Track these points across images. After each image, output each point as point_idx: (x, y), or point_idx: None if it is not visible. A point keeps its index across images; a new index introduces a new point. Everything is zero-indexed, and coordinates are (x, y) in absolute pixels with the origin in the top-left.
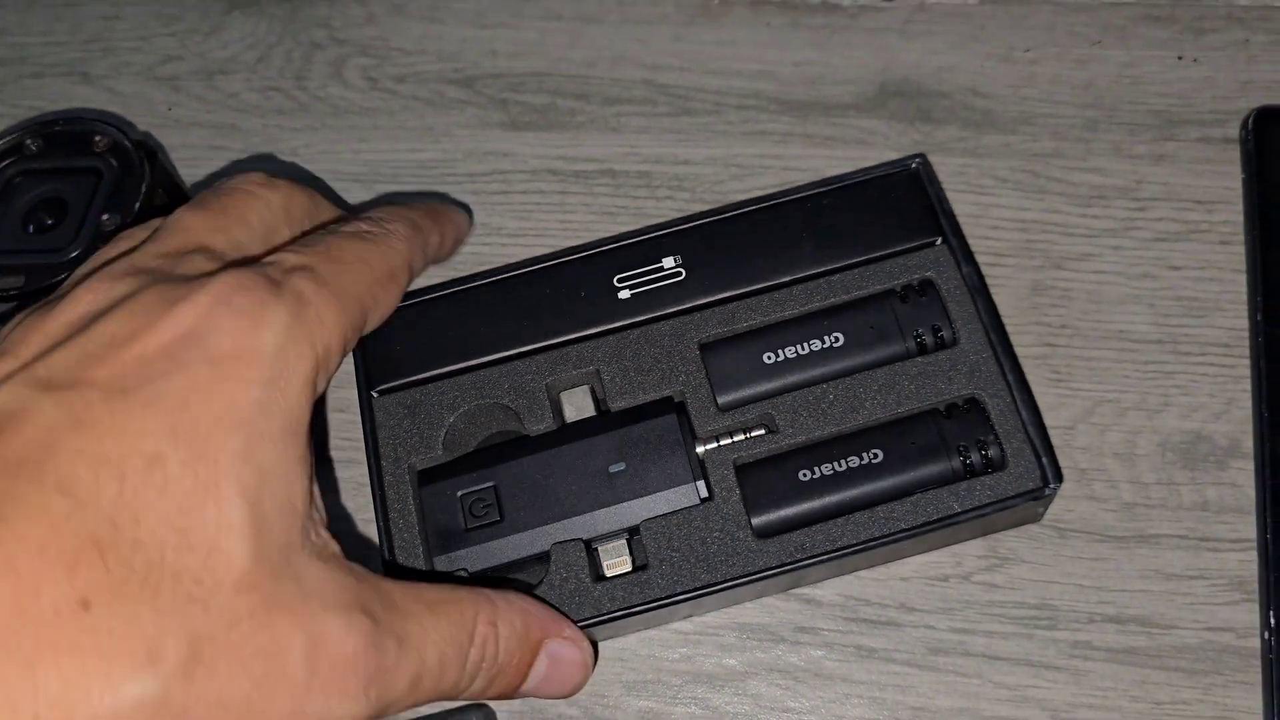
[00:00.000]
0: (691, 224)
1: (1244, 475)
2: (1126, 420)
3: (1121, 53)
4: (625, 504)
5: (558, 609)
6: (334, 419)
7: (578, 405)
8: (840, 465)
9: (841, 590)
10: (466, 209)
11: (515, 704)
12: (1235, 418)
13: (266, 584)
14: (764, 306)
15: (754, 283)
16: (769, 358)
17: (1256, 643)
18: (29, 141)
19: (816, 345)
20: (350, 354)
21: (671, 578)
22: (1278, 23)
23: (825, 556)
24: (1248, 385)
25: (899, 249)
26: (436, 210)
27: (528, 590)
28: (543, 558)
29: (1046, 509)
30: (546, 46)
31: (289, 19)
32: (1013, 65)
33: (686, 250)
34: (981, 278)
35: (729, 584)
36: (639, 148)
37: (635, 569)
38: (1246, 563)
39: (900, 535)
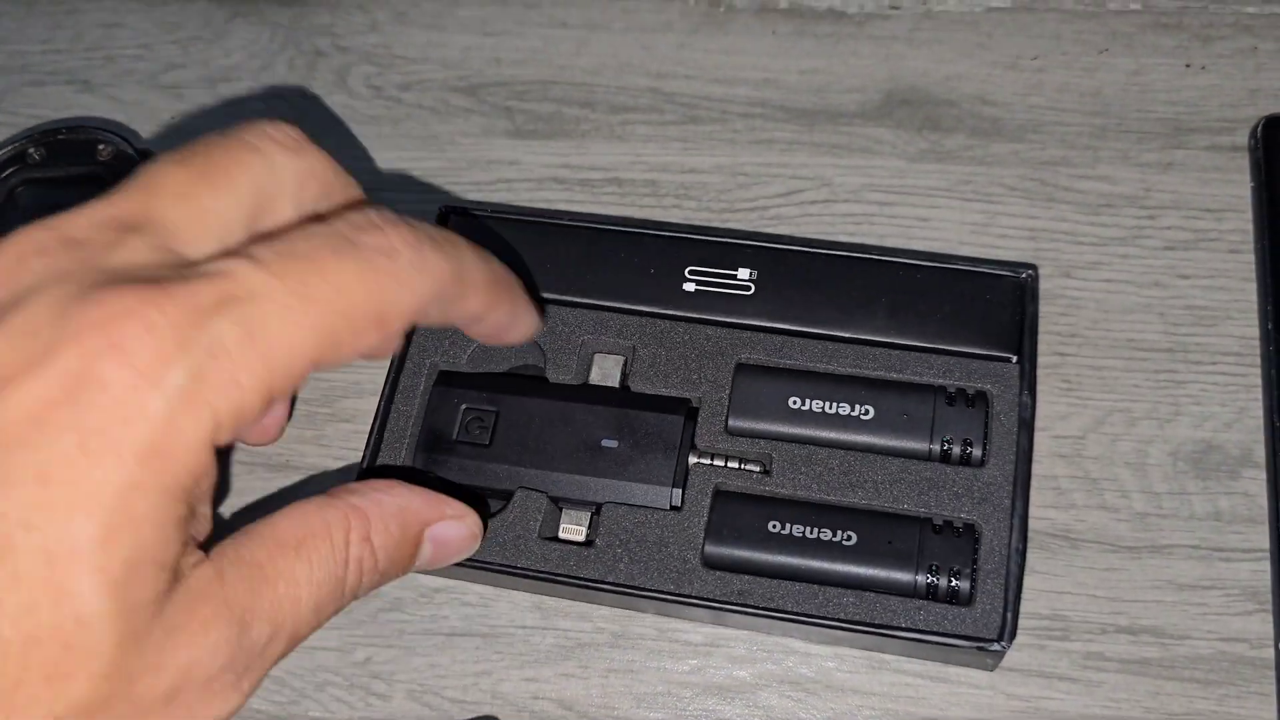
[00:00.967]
0: (779, 245)
1: (1256, 485)
2: (1138, 429)
3: (1129, 60)
4: (601, 479)
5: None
6: None
7: (605, 371)
8: (811, 532)
9: None
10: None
11: (523, 700)
12: (1247, 427)
13: (131, 661)
14: (812, 351)
15: (815, 325)
16: (794, 402)
17: (1270, 653)
18: (32, 150)
19: (844, 409)
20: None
21: (610, 565)
22: None
23: (757, 611)
24: (1259, 394)
25: (970, 351)
26: (503, 278)
27: (486, 515)
28: (508, 494)
29: (998, 663)
30: (551, 54)
31: (292, 27)
32: (1020, 73)
33: (764, 268)
34: (1034, 413)
35: (658, 595)
36: (645, 156)
37: (585, 543)
38: (1260, 573)
39: (835, 624)
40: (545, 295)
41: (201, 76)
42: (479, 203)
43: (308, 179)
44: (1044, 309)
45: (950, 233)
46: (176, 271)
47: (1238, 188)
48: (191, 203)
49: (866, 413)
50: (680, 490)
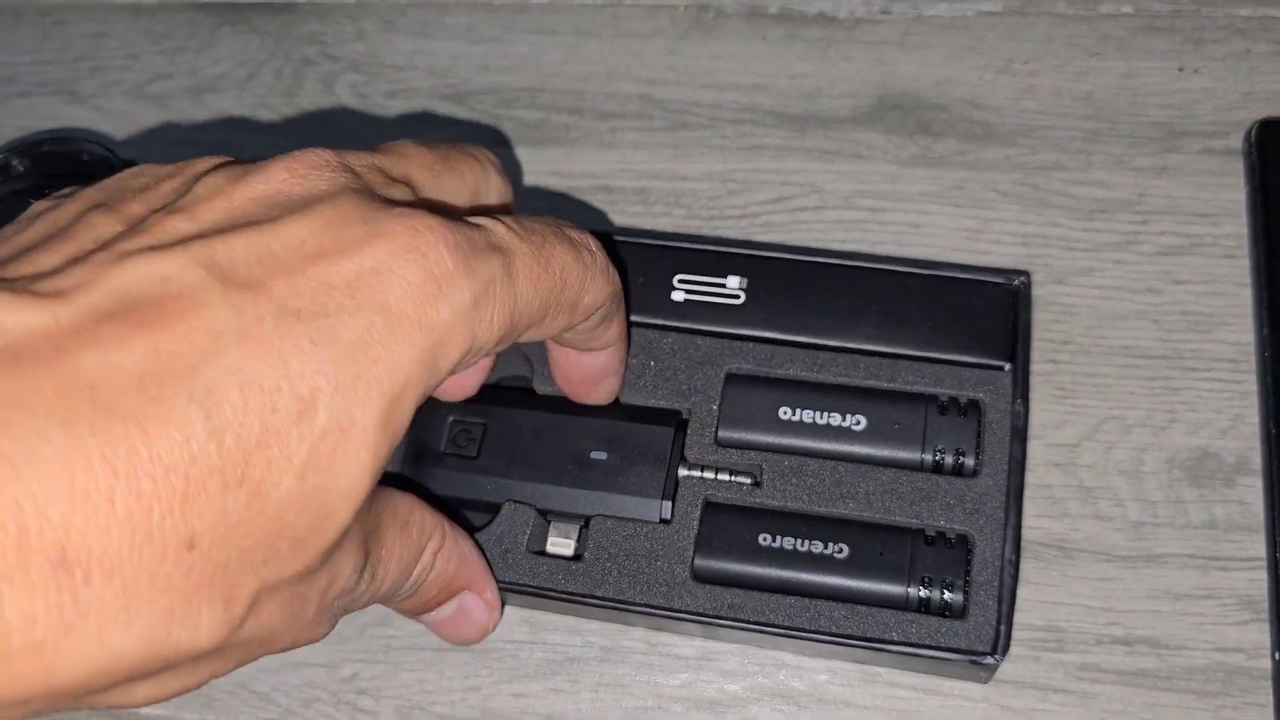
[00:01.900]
0: (769, 253)
1: (1252, 493)
2: (1132, 437)
3: (1121, 64)
4: (591, 492)
5: (490, 569)
6: None
7: None
8: (803, 545)
9: None
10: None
11: (512, 715)
12: (1242, 434)
13: (336, 549)
14: (803, 360)
15: (806, 335)
16: (784, 412)
17: (1268, 663)
18: (15, 161)
19: (836, 420)
20: None
21: (598, 580)
22: (1278, 33)
23: (748, 626)
24: (1254, 401)
25: (963, 360)
26: (618, 321)
27: (472, 531)
28: (496, 508)
29: (991, 676)
30: (539, 61)
31: (279, 35)
32: (1012, 77)
33: (754, 277)
34: (1027, 421)
35: (648, 610)
36: (635, 163)
37: (573, 557)
38: (1256, 582)
39: (827, 638)
40: None
41: (189, 86)
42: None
43: (503, 198)
44: (1038, 316)
45: (943, 239)
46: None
47: (1232, 192)
48: (434, 177)
49: (858, 423)
50: (670, 503)
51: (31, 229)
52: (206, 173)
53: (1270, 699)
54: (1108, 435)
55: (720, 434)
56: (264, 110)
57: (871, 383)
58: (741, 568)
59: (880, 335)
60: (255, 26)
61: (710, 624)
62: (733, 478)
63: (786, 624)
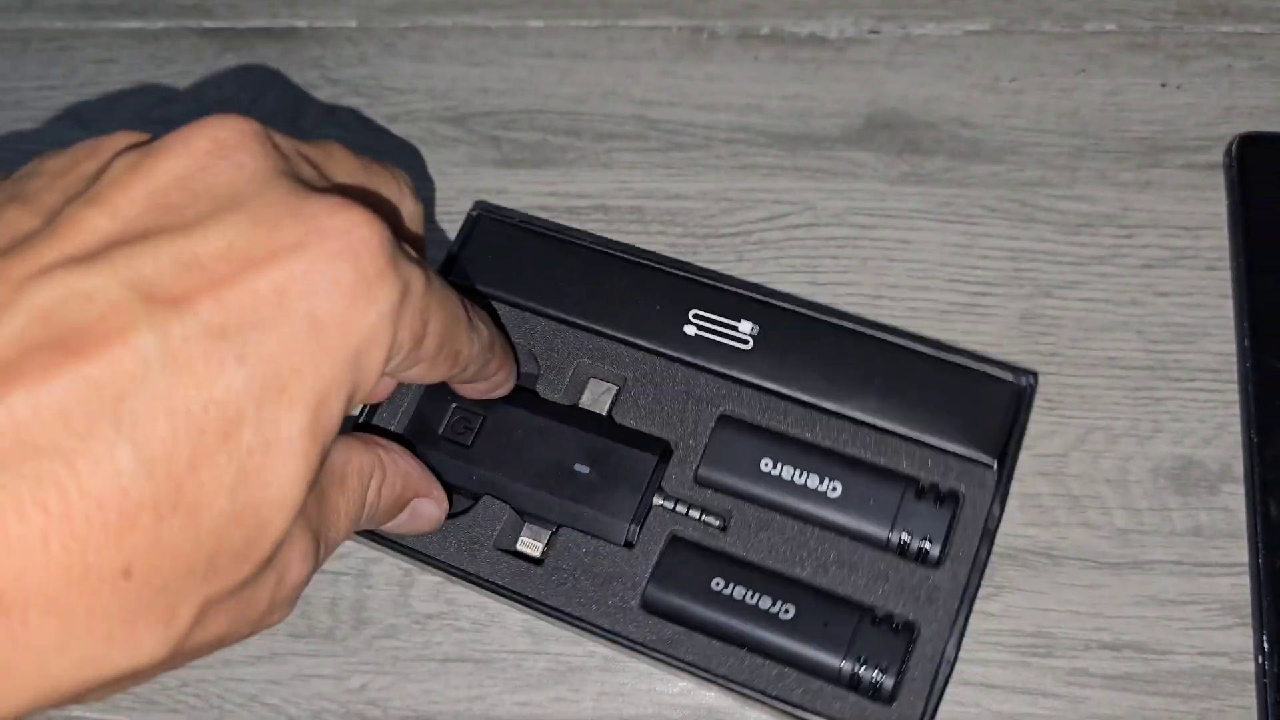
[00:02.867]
0: (786, 304)
1: (1235, 500)
2: (1118, 447)
3: (1105, 81)
4: (565, 501)
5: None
6: None
7: (595, 397)
8: (752, 598)
9: None
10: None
11: None
12: (1225, 442)
13: (280, 554)
14: (796, 417)
15: (804, 393)
16: (766, 464)
17: (1251, 667)
18: None
19: (813, 482)
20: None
21: (553, 589)
22: (1259, 49)
23: (680, 664)
24: (1236, 410)
25: (952, 449)
26: (502, 358)
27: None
28: (475, 498)
29: None
30: (537, 83)
31: (281, 60)
32: (999, 95)
33: (767, 326)
34: (999, 524)
35: (590, 628)
36: (630, 183)
37: (536, 560)
38: (1239, 587)
39: (753, 693)
40: (548, 311)
41: (194, 110)
42: (509, 209)
43: (413, 220)
44: (1025, 329)
45: (932, 254)
46: None
47: (1214, 205)
48: (355, 181)
49: (834, 489)
50: (638, 528)
51: None
52: (123, 151)
53: (1254, 701)
54: (1094, 445)
55: (700, 472)
56: None
57: (857, 453)
58: (689, 606)
59: (877, 408)
60: (258, 52)
61: (644, 654)
62: (702, 517)
63: (718, 671)
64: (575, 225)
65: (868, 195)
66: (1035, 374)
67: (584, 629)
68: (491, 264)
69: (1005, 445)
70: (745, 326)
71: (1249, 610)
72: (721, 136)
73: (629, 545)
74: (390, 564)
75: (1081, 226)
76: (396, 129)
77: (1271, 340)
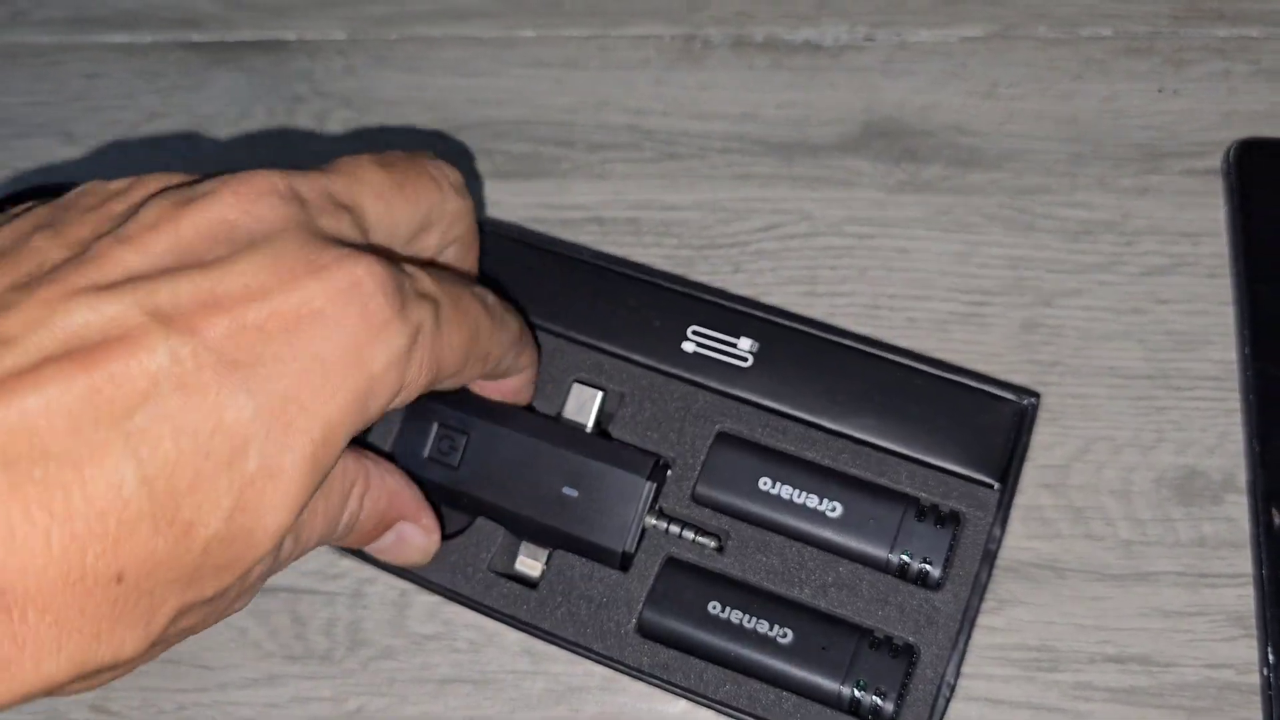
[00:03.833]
0: (785, 321)
1: (1239, 509)
2: (1121, 457)
3: (1103, 86)
4: (555, 527)
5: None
6: None
7: (581, 404)
8: (750, 621)
9: None
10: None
11: None
12: (1228, 451)
13: (264, 565)
14: (795, 435)
15: (804, 411)
16: (764, 483)
17: (1256, 679)
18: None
19: (813, 502)
20: None
21: (548, 612)
22: (1257, 53)
23: (676, 689)
24: (1239, 418)
25: (954, 469)
26: (529, 348)
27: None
28: (471, 515)
29: None
30: (529, 94)
31: (270, 73)
32: (996, 101)
33: (766, 343)
34: (1000, 546)
35: (586, 652)
36: (625, 194)
37: (533, 583)
38: (1244, 598)
39: (748, 718)
40: (545, 326)
41: (183, 125)
42: (506, 222)
43: (457, 219)
44: (1026, 338)
45: (931, 263)
46: (384, 255)
47: (1213, 211)
48: (386, 205)
49: (834, 509)
50: (633, 552)
51: None
52: (155, 194)
53: (1260, 714)
54: (1097, 455)
55: (697, 489)
56: (258, 148)
57: (857, 472)
58: (686, 630)
59: (877, 427)
60: (246, 65)
61: (640, 679)
62: (698, 537)
63: (714, 696)
64: (569, 237)
65: (865, 204)
66: (1037, 395)
67: (579, 653)
68: (483, 280)
69: (1007, 466)
70: (745, 344)
71: (1254, 621)
72: (717, 146)
73: (624, 569)
74: (385, 584)
75: (1081, 234)
76: (388, 142)
77: (1273, 347)
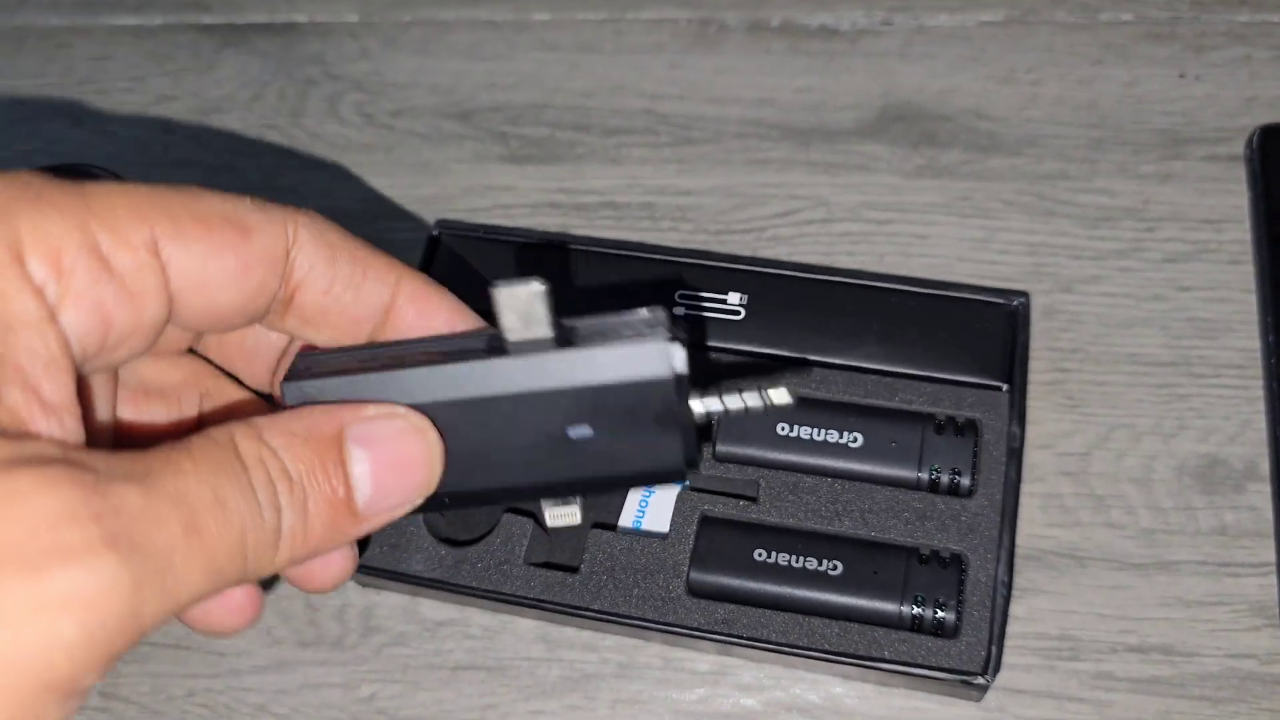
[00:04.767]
0: (771, 269)
1: (1261, 498)
2: (1142, 445)
3: (1123, 72)
4: (587, 479)
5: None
6: None
7: (520, 312)
8: (797, 561)
9: None
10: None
11: None
12: (1251, 440)
13: None
14: (802, 377)
15: (806, 351)
16: (782, 428)
17: (1279, 669)
18: None
19: (833, 436)
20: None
21: (595, 592)
22: (1278, 38)
23: (740, 641)
24: (1262, 406)
25: (961, 379)
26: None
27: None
28: (491, 523)
29: (983, 696)
30: (544, 77)
31: (282, 56)
32: (1015, 87)
33: (756, 293)
34: (1023, 443)
35: (642, 624)
36: (641, 179)
37: (572, 569)
38: (1267, 587)
39: (818, 655)
40: None
41: (193, 107)
42: (471, 224)
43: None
44: (1045, 325)
45: (949, 249)
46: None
47: (1235, 198)
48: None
49: (855, 440)
50: (693, 461)
51: None
52: None
53: None
54: (1118, 443)
55: (718, 449)
56: (269, 131)
57: (870, 401)
58: (736, 583)
59: (880, 354)
60: (258, 48)
61: (702, 638)
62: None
63: (778, 640)
64: (584, 223)
65: (883, 189)
66: (1026, 294)
67: (636, 626)
68: (462, 280)
69: (1011, 366)
70: (734, 298)
71: (1276, 611)
72: (733, 131)
73: (691, 465)
74: None
75: (1101, 220)
76: (400, 125)
77: None
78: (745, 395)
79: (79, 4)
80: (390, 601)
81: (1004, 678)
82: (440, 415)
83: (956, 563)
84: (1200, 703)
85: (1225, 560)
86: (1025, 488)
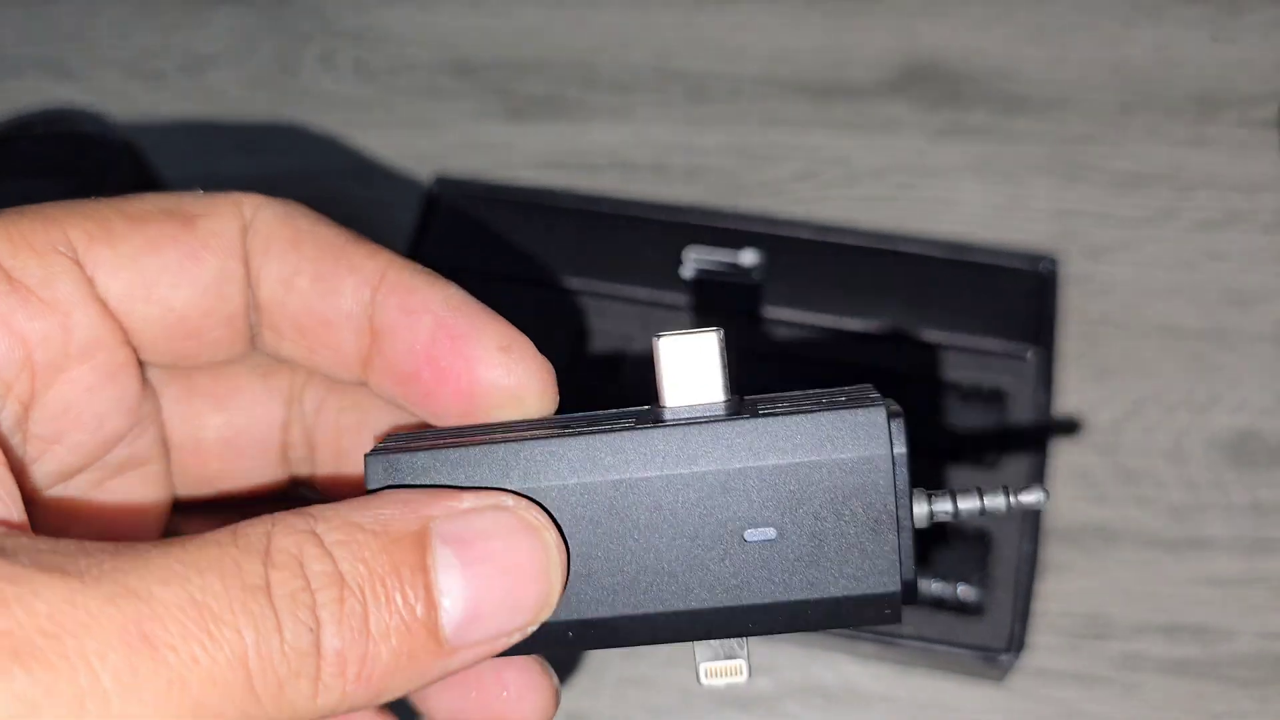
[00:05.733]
0: (786, 226)
1: None
2: (1173, 418)
3: (1154, 33)
4: (765, 603)
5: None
6: None
7: (686, 372)
8: None
9: None
10: None
11: None
12: None
13: None
14: (828, 344)
15: (825, 315)
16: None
17: None
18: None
19: None
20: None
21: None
22: None
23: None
24: None
25: (986, 347)
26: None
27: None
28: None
29: (1006, 674)
30: (548, 32)
31: (277, 9)
32: (1043, 46)
33: (771, 250)
34: (1049, 412)
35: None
36: (651, 138)
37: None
38: None
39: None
40: (534, 279)
41: (183, 64)
42: (472, 181)
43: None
44: (1073, 293)
45: (974, 214)
46: None
47: (1269, 164)
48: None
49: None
50: (911, 586)
51: None
52: None
53: None
54: (1148, 416)
55: None
56: (263, 87)
57: (893, 368)
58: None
59: (902, 319)
60: (251, 1)
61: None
62: (1018, 497)
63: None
64: (590, 183)
65: (906, 151)
66: (1054, 259)
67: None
68: (462, 241)
69: (1038, 332)
70: (747, 256)
71: None
72: (748, 88)
73: (909, 593)
74: None
75: (1131, 186)
76: (398, 81)
77: None
78: (987, 495)
79: None
80: None
81: (1028, 658)
82: (566, 507)
83: (981, 538)
84: (1232, 685)
85: (1259, 537)
86: (1052, 461)
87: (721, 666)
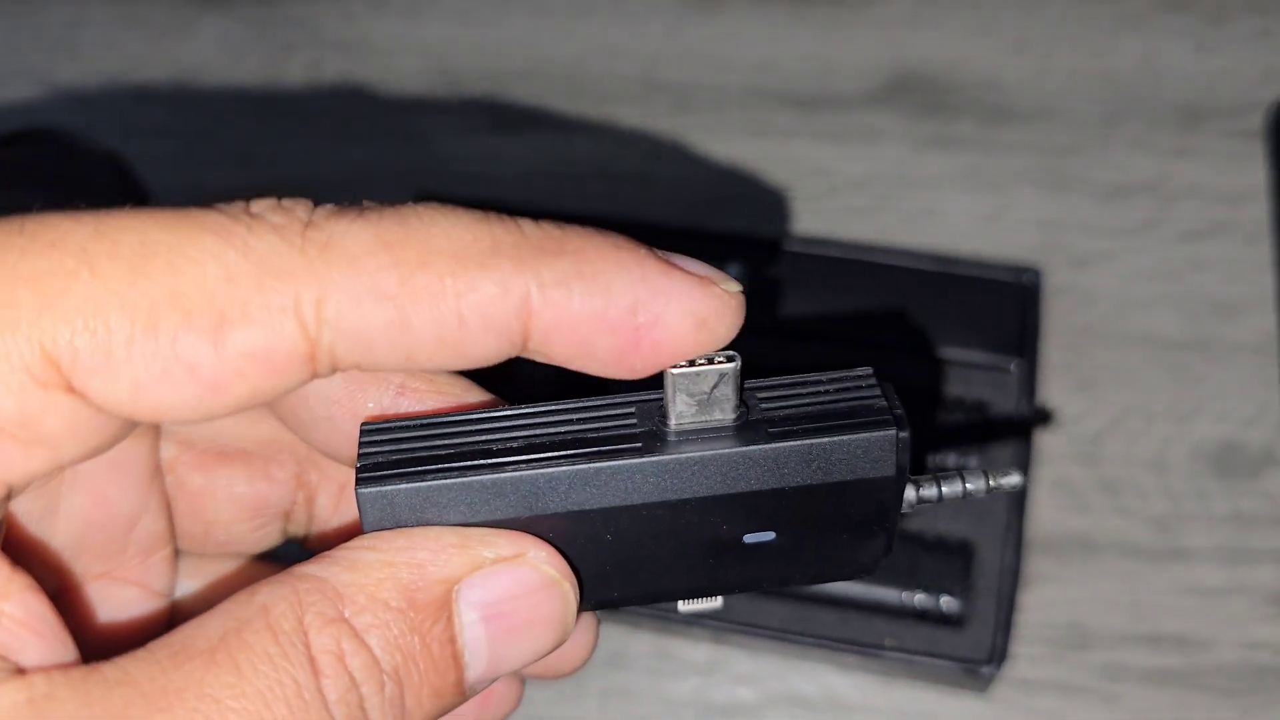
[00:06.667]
0: (769, 239)
1: (1278, 484)
2: (1156, 428)
3: (1139, 44)
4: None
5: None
6: None
7: (698, 389)
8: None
9: None
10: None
11: None
12: (1268, 424)
13: None
14: (809, 356)
15: (812, 325)
16: None
17: None
18: None
19: None
20: None
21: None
22: None
23: (740, 627)
24: (1278, 390)
25: (969, 359)
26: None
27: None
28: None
29: (988, 686)
30: (534, 43)
31: (263, 19)
32: (1027, 57)
33: (754, 263)
34: (1032, 426)
35: (636, 611)
36: (636, 148)
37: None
38: None
39: (820, 642)
40: None
41: (170, 74)
42: (454, 195)
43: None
44: (1057, 303)
45: (957, 224)
46: None
47: (1253, 174)
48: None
49: None
50: (890, 552)
51: None
52: None
53: None
54: (1130, 426)
55: None
56: (249, 97)
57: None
58: None
59: (884, 331)
60: (238, 12)
61: (696, 626)
62: (997, 480)
63: (780, 626)
64: (575, 194)
65: (889, 162)
66: (1037, 270)
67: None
68: None
69: (1021, 344)
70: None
71: None
72: (733, 99)
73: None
74: None
75: (1115, 196)
76: (383, 92)
77: None
78: (969, 478)
79: None
80: None
81: (1010, 669)
82: (576, 526)
83: (963, 549)
84: (1214, 694)
85: (1241, 547)
86: (1034, 472)
87: (700, 601)
